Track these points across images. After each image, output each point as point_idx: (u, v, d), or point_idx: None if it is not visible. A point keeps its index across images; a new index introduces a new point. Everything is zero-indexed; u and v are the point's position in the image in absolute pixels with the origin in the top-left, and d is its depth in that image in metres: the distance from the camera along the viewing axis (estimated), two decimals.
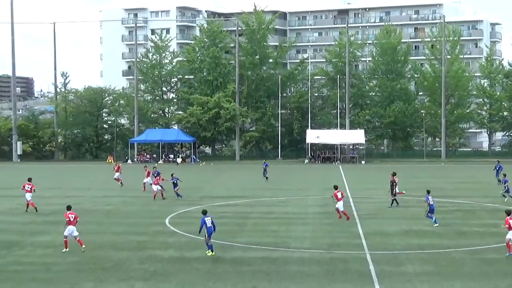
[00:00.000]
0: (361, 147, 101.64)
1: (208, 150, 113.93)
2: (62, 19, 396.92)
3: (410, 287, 23.15)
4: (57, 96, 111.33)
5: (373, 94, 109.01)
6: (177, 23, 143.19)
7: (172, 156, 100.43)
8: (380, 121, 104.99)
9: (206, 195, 50.86)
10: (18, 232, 34.32)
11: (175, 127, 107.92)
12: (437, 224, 35.50)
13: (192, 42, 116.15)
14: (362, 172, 76.04)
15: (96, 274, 24.98)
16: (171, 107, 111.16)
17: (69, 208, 30.45)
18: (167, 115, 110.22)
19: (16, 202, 47.27)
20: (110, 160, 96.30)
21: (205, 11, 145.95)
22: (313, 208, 43.82)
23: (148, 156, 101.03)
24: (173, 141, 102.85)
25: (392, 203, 43.30)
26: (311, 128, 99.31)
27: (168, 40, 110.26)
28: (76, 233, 29.48)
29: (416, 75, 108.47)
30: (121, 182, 57.57)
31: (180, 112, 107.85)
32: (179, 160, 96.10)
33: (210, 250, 28.23)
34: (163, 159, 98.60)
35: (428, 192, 37.10)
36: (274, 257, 27.85)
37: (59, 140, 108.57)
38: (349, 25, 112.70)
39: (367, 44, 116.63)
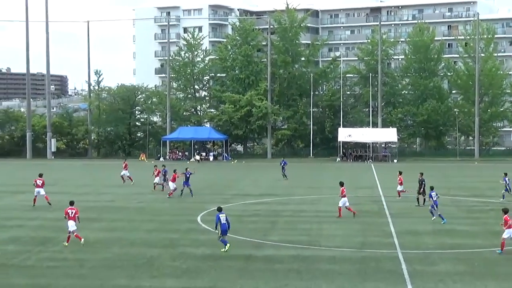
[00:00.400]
0: (393, 146, 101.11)
1: (240, 148, 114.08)
2: (96, 18, 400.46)
3: (442, 287, 22.97)
4: (91, 94, 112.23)
5: (406, 92, 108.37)
6: (210, 21, 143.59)
7: (204, 153, 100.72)
8: (413, 120, 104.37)
9: (238, 193, 50.94)
10: (52, 228, 34.64)
11: (207, 125, 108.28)
12: (444, 221, 35.67)
13: (225, 40, 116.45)
14: (394, 170, 75.30)
15: (128, 271, 25.15)
16: (203, 105, 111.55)
17: (71, 203, 30.96)
18: (199, 113, 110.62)
19: (50, 198, 47.74)
20: (142, 158, 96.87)
21: (238, 9, 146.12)
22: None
23: (180, 153, 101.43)
24: (205, 139, 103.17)
25: (424, 201, 42.92)
26: (343, 127, 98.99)
27: (201, 38, 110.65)
28: (74, 228, 29.86)
29: (449, 73, 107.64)
30: (130, 178, 57.02)
31: (212, 110, 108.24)
32: (197, 157, 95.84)
33: (224, 246, 28.33)
34: (195, 157, 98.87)
35: (432, 188, 37.66)
36: (306, 255, 27.83)
37: (92, 137, 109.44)
38: (381, 23, 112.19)
39: (400, 42, 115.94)
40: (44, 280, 23.79)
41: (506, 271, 25.26)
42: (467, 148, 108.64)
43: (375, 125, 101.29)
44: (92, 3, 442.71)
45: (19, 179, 54.73)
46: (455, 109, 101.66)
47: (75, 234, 29.86)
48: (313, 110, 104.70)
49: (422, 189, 42.65)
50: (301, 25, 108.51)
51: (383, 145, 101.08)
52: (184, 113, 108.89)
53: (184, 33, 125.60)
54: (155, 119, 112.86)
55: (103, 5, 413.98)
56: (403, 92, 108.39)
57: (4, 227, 35.41)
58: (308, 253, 28.32)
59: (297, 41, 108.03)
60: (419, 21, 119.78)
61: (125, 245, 30.07)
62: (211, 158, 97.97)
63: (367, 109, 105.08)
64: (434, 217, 36.79)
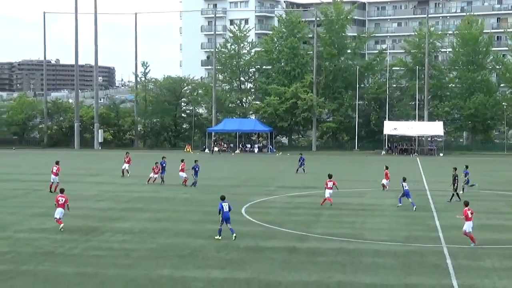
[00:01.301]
0: (440, 139, 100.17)
1: (284, 140, 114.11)
2: (143, 10, 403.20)
3: (488, 282, 22.73)
4: (138, 86, 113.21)
5: (453, 85, 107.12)
6: (256, 13, 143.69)
7: (249, 145, 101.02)
8: (460, 113, 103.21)
9: (282, 185, 51.00)
10: (98, 218, 35.11)
11: (252, 117, 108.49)
12: (415, 207, 37.25)
13: (271, 32, 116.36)
14: (440, 164, 74.90)
15: (173, 261, 25.38)
16: (249, 97, 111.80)
17: (61, 191, 32.41)
18: (244, 105, 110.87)
19: (97, 188, 48.47)
20: (188, 149, 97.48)
21: (284, 2, 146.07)
22: (390, 200, 43.43)
23: (225, 145, 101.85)
24: (250, 130, 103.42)
25: (452, 197, 42.33)
26: (388, 120, 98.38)
27: (247, 31, 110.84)
28: (60, 215, 31.21)
29: (498, 67, 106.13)
30: (127, 171, 56.83)
31: (258, 102, 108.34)
32: (216, 148, 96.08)
33: (232, 234, 29.21)
34: (240, 149, 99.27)
35: (404, 179, 40.38)
36: (350, 248, 27.78)
37: (138, 128, 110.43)
38: (429, 15, 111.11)
39: (448, 34, 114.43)
40: (90, 269, 24.14)
41: None
42: None
43: (421, 118, 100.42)
44: None
45: (67, 169, 55.48)
46: (503, 103, 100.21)
47: (56, 219, 31.13)
48: (359, 103, 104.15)
49: (456, 184, 42.05)
50: (348, 17, 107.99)
51: (429, 139, 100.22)
52: (230, 105, 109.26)
53: (231, 25, 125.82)
54: (200, 110, 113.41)
55: None
56: (450, 85, 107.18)
57: (52, 216, 35.94)
58: (352, 246, 28.27)
59: (343, 34, 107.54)
60: (468, 13, 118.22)
61: (170, 236, 30.35)
62: (256, 150, 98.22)
63: (413, 102, 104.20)
64: (400, 204, 39.40)
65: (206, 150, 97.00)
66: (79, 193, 45.30)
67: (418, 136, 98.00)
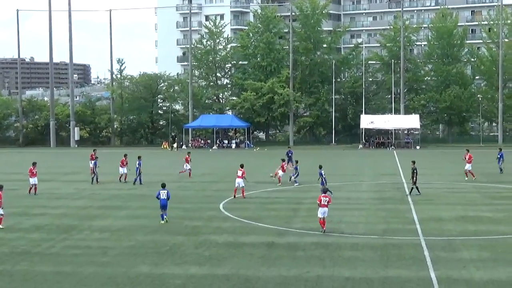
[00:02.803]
0: (416, 132, 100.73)
1: (262, 135, 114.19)
2: (117, 6, 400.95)
3: (465, 273, 22.90)
4: (113, 83, 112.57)
5: (429, 78, 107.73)
6: (231, 9, 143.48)
7: (226, 141, 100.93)
8: (436, 106, 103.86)
9: (260, 181, 50.92)
10: (76, 216, 34.95)
11: (229, 112, 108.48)
12: (331, 194, 35.18)
13: (246, 28, 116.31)
14: (417, 157, 74.84)
15: (151, 258, 25.32)
16: (225, 93, 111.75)
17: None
18: (221, 101, 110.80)
19: (74, 186, 48.23)
20: (164, 146, 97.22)
21: None
22: (367, 193, 43.65)
23: (202, 141, 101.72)
24: (227, 126, 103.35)
25: (411, 190, 42.41)
26: (365, 113, 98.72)
27: (222, 26, 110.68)
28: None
29: (472, 59, 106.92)
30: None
31: (234, 98, 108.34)
32: (175, 145, 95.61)
33: (162, 219, 32.37)
34: (217, 145, 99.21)
35: (320, 167, 44.25)
36: (328, 242, 27.84)
37: (115, 126, 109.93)
38: (404, 9, 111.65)
39: (423, 28, 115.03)
40: (68, 268, 24.02)
41: None
42: (491, 134, 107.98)
43: (397, 111, 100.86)
44: None
45: (44, 167, 55.14)
46: (478, 95, 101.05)
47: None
48: (335, 97, 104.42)
49: (415, 177, 42.04)
50: (323, 11, 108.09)
51: (405, 132, 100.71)
52: (206, 101, 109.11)
53: (206, 21, 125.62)
54: (177, 107, 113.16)
55: None
56: (425, 79, 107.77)
57: (28, 215, 35.77)
58: (330, 240, 28.34)
59: (319, 28, 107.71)
60: (442, 6, 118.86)
61: (149, 233, 30.26)
62: (233, 146, 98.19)
63: (389, 96, 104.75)
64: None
65: (183, 147, 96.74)
66: (56, 192, 45.14)
67: (395, 130, 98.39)
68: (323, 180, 43.36)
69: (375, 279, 22.39)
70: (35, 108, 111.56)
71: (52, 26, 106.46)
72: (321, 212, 29.68)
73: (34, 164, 45.51)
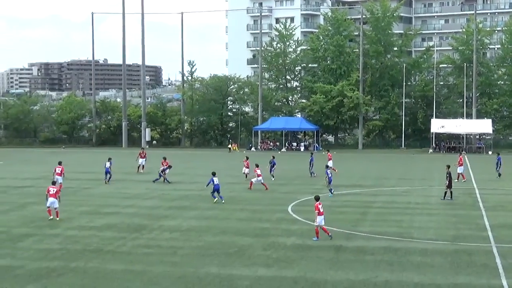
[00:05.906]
0: (488, 137, 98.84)
1: (331, 138, 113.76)
2: (189, 9, 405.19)
3: None
4: (184, 85, 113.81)
5: (502, 82, 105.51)
6: (302, 11, 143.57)
7: (295, 144, 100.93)
8: (509, 111, 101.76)
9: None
10: (147, 216, 35.48)
11: (299, 115, 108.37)
12: (331, 195, 39.67)
13: (316, 30, 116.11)
14: (488, 163, 73.86)
15: (220, 259, 25.52)
16: (295, 96, 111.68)
17: (53, 183, 35.47)
18: (290, 103, 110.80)
19: (145, 186, 48.95)
20: (234, 148, 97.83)
21: (329, 0, 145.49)
22: (437, 198, 43.06)
23: (271, 144, 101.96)
24: (296, 129, 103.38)
25: (445, 195, 41.88)
26: (436, 117, 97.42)
27: (293, 29, 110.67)
28: (56, 205, 33.73)
29: None
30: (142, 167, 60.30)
31: (304, 101, 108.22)
32: (229, 146, 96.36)
33: (214, 198, 39.44)
34: (286, 147, 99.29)
35: (327, 167, 46.31)
36: (397, 247, 27.62)
37: (185, 127, 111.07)
38: (477, 12, 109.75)
39: (496, 31, 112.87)
40: (139, 266, 24.40)
41: None
42: None
43: (469, 116, 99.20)
44: None
45: (116, 167, 56.03)
46: None
47: (56, 210, 33.74)
48: (405, 100, 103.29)
49: (449, 182, 41.53)
50: (394, 14, 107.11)
51: (477, 137, 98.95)
52: (276, 104, 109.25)
53: (276, 23, 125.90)
54: (247, 109, 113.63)
55: None
56: (499, 83, 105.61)
57: (101, 214, 36.48)
58: (400, 245, 28.11)
59: (389, 31, 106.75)
60: None
61: (217, 234, 30.51)
62: (302, 148, 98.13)
63: (461, 100, 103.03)
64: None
65: (253, 149, 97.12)
66: (128, 191, 45.90)
67: (466, 134, 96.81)
68: (329, 178, 44.83)
69: (445, 285, 22.09)
70: (108, 109, 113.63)
71: (126, 29, 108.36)
72: (321, 220, 29.18)
73: (59, 163, 46.97)
